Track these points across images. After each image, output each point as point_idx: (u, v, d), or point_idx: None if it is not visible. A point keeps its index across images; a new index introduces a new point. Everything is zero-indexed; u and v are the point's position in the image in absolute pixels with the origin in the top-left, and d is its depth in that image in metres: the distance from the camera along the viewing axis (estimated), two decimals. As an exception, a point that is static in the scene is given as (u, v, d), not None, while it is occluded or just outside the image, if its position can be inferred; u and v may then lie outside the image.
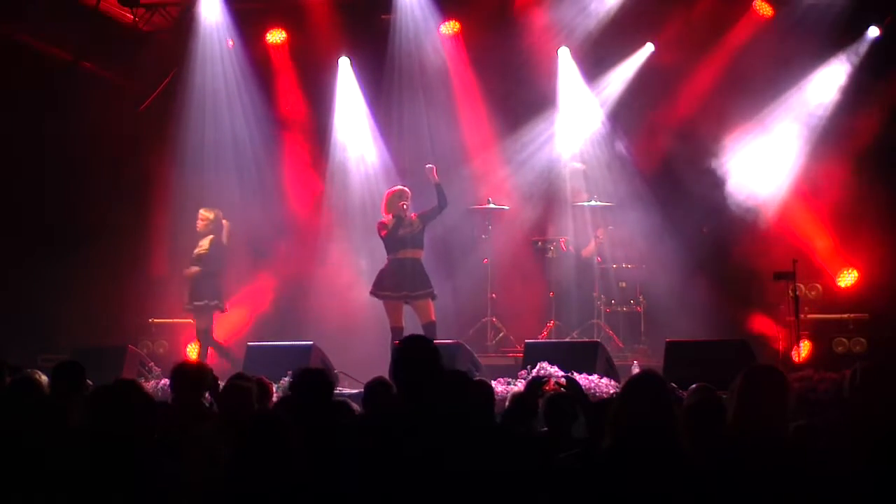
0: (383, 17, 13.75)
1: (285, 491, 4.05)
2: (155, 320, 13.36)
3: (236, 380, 6.14)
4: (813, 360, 11.13)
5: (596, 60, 13.26)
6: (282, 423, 4.19)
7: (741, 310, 12.26)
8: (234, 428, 4.28)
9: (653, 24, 12.95)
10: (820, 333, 11.95)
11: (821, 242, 12.28)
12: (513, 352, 11.79)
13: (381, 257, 11.14)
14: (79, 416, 5.01)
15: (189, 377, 5.79)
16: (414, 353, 4.51)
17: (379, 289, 10.97)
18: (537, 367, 9.39)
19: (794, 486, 4.15)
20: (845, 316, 12.06)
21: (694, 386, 5.85)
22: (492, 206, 12.56)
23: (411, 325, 11.12)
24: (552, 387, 6.16)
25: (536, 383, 5.81)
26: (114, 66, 13.93)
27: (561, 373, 8.95)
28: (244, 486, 4.05)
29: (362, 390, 6.37)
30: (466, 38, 13.56)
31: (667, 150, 12.86)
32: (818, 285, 12.29)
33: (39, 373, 6.11)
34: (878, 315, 11.90)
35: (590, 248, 12.64)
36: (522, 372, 9.56)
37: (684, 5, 12.70)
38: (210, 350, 11.84)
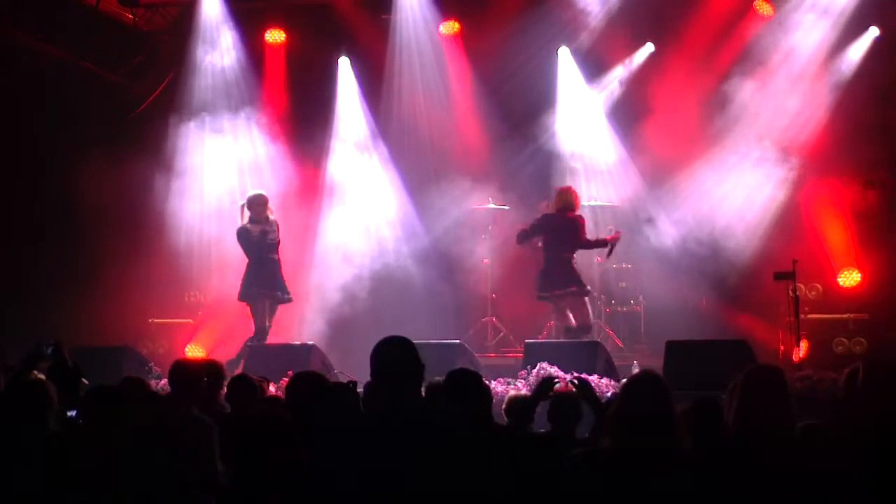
0: (383, 17, 13.77)
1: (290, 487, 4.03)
2: (155, 320, 13.36)
3: (241, 378, 6.25)
4: (813, 360, 11.11)
5: (596, 60, 13.27)
6: (286, 419, 4.17)
7: (741, 310, 12.25)
8: (239, 425, 4.27)
9: (653, 24, 12.96)
10: (820, 333, 11.94)
11: (821, 242, 12.27)
12: (513, 352, 11.78)
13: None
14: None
15: (187, 375, 5.78)
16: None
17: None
18: (537, 367, 9.38)
19: (795, 485, 4.15)
20: (845, 316, 12.06)
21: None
22: (492, 206, 12.54)
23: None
24: (564, 387, 6.08)
25: (547, 384, 5.71)
26: (114, 66, 13.93)
27: (561, 373, 8.93)
28: (248, 483, 4.04)
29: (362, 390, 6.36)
30: (466, 38, 13.57)
31: (666, 150, 12.85)
32: (818, 285, 12.28)
33: (38, 373, 6.09)
34: (878, 315, 11.90)
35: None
36: (522, 372, 9.54)
37: (685, 5, 12.70)
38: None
